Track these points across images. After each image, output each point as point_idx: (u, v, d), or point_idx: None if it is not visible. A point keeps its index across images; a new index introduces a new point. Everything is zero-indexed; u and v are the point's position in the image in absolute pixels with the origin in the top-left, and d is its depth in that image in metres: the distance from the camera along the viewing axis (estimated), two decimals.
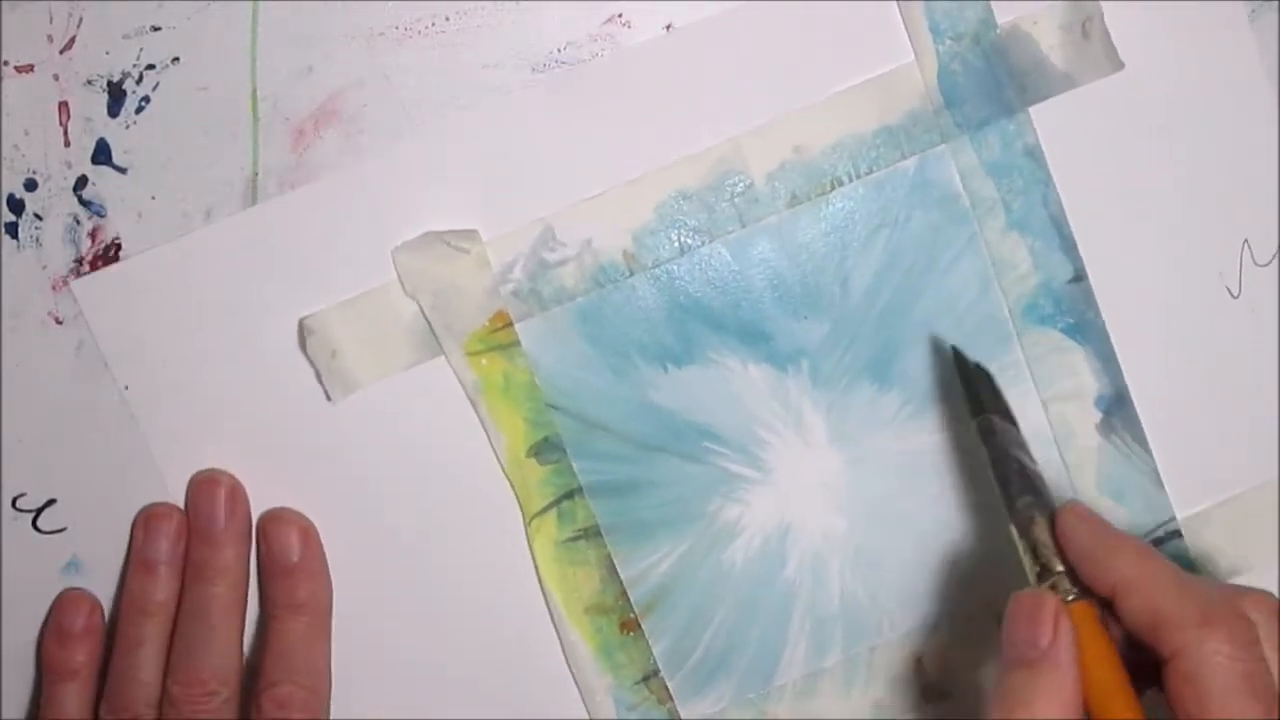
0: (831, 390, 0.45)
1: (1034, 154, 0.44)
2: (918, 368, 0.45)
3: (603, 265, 0.44)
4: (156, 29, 0.42)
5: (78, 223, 0.43)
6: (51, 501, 0.44)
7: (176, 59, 0.42)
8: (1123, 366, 0.46)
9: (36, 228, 0.43)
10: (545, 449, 0.45)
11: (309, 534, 0.44)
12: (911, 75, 0.44)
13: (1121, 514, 0.46)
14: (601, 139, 0.44)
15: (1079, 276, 0.45)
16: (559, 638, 0.46)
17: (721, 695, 0.47)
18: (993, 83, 0.44)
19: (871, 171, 0.44)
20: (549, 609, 0.45)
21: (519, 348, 0.44)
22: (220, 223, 0.43)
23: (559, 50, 0.43)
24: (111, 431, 0.44)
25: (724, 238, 0.44)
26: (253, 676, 0.44)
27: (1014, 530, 0.40)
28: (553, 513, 0.45)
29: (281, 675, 0.43)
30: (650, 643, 0.46)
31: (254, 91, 0.43)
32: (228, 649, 0.43)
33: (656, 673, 0.46)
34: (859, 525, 0.46)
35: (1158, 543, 0.47)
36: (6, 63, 0.42)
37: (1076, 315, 0.45)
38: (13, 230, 0.43)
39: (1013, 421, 0.42)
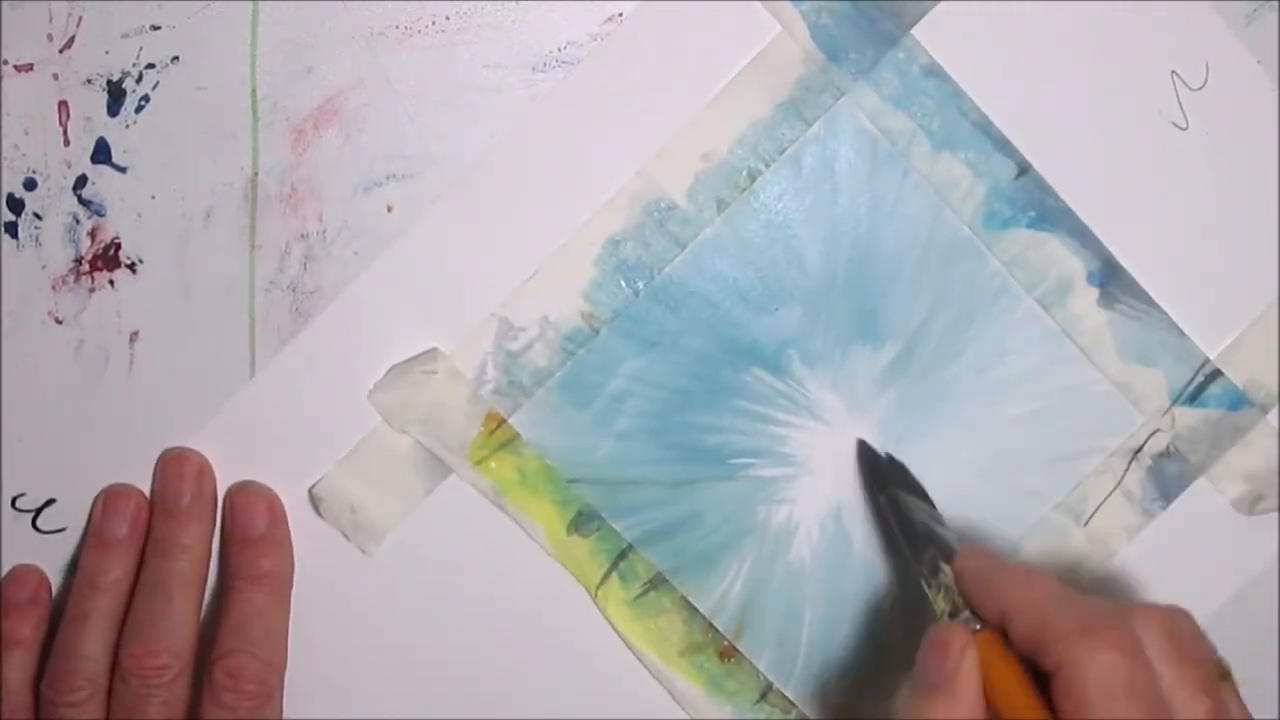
0: (829, 366, 0.45)
1: (933, 71, 0.43)
2: (900, 312, 0.45)
3: (566, 335, 0.44)
4: (156, 29, 0.42)
5: (77, 222, 0.43)
6: (51, 501, 0.44)
7: (176, 59, 0.42)
8: (1102, 236, 0.45)
9: (36, 227, 0.42)
10: (582, 522, 0.45)
11: (275, 506, 0.44)
12: (785, 45, 0.43)
13: (1156, 375, 0.45)
14: (528, 217, 0.44)
15: (1024, 169, 0.44)
16: (665, 688, 0.46)
17: (842, 680, 0.47)
18: (865, 21, 0.43)
19: (784, 151, 0.44)
20: (644, 665, 0.46)
21: (520, 439, 0.44)
22: (207, 428, 0.44)
23: (559, 50, 0.43)
24: (111, 432, 0.44)
25: (670, 265, 0.44)
26: (208, 649, 0.43)
27: (923, 582, 0.41)
28: (613, 577, 0.45)
29: (236, 645, 0.42)
30: (754, 661, 0.46)
31: (254, 91, 0.42)
32: (184, 623, 0.42)
33: (771, 686, 0.46)
34: None
35: (1201, 389, 0.46)
36: (6, 62, 0.42)
37: (1036, 206, 0.44)
38: (12, 230, 0.42)
39: (923, 496, 0.44)
